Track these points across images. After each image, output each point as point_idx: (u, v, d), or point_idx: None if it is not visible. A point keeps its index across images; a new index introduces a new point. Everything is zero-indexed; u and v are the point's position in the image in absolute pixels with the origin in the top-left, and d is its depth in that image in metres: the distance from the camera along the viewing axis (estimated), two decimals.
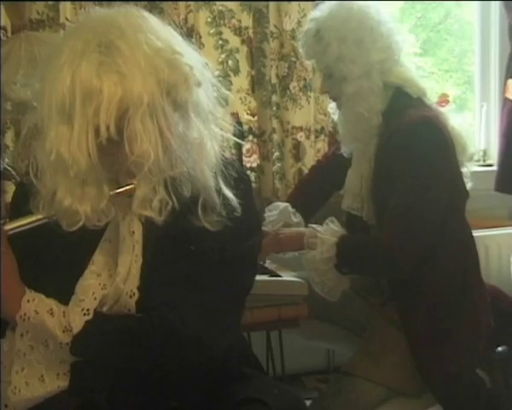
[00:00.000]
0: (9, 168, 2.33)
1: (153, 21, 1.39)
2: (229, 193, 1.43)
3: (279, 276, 2.18)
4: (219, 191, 1.42)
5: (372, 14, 2.21)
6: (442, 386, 2.16)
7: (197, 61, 1.40)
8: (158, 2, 2.81)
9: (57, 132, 1.31)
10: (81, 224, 1.34)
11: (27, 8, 2.67)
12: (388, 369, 2.16)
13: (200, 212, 1.40)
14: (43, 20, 2.76)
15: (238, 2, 2.98)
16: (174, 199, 1.37)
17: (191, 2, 2.89)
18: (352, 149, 2.36)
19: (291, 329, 2.36)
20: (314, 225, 2.26)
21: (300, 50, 2.40)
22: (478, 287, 2.24)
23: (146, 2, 2.76)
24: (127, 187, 1.36)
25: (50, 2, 2.76)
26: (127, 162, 1.33)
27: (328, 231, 2.20)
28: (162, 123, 1.33)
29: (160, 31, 1.38)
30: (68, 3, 2.82)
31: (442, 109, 2.30)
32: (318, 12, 2.28)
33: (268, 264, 2.33)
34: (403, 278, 2.17)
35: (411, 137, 2.11)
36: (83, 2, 2.82)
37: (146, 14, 1.41)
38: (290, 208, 2.47)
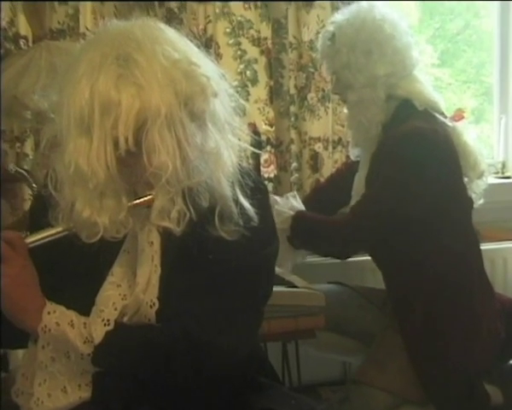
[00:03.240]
0: (21, 171, 2.33)
1: (169, 33, 1.40)
2: (245, 202, 1.43)
3: (296, 287, 2.18)
4: (236, 201, 1.42)
5: (385, 28, 2.23)
6: (440, 394, 2.16)
7: (214, 72, 1.41)
8: (177, 13, 2.82)
9: (76, 145, 1.32)
10: (100, 235, 1.34)
11: (48, 17, 2.70)
12: (393, 376, 2.17)
13: (217, 221, 1.40)
14: (63, 30, 2.79)
15: (257, 14, 2.99)
16: (192, 209, 1.37)
17: (210, 13, 2.91)
18: (357, 154, 2.40)
19: (307, 340, 2.37)
20: (276, 197, 2.35)
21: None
22: (480, 294, 2.24)
23: (165, 13, 2.80)
24: (145, 198, 1.36)
25: (71, 12, 2.79)
26: (145, 174, 1.34)
27: (287, 205, 2.30)
28: (180, 134, 1.33)
29: (177, 42, 1.39)
30: (89, 13, 2.84)
31: (454, 123, 2.30)
32: (339, 16, 2.31)
33: (285, 275, 2.34)
34: (346, 258, 2.29)
35: (400, 147, 2.16)
36: (103, 12, 2.85)
37: (162, 25, 1.42)
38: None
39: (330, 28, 2.31)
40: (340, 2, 2.96)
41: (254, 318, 1.50)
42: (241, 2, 2.98)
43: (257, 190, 1.48)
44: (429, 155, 2.13)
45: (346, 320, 2.35)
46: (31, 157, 2.85)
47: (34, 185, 2.28)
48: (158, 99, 1.30)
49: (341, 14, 2.32)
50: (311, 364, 2.83)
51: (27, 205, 2.78)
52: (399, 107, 2.25)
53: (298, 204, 2.33)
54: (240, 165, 1.47)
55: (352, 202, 2.37)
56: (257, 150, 1.67)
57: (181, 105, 1.33)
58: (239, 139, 1.47)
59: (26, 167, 2.60)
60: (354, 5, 2.39)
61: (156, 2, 2.82)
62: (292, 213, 2.27)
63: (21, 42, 2.82)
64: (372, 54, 2.21)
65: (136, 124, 1.30)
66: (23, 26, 2.80)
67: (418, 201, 2.13)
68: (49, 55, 2.52)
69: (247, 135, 1.50)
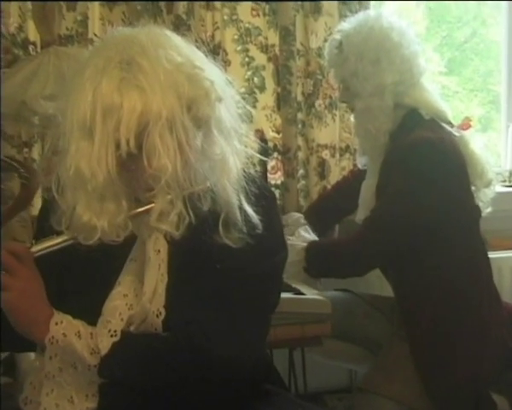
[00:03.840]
0: (6, 159, 2.30)
1: (174, 39, 1.41)
2: (249, 209, 1.43)
3: (303, 294, 2.18)
4: (241, 208, 1.42)
5: (393, 37, 2.23)
6: (447, 403, 2.15)
7: (219, 77, 1.41)
8: (185, 20, 2.83)
9: (78, 148, 1.33)
10: (97, 238, 1.34)
11: (57, 23, 2.71)
12: (400, 384, 2.16)
13: (221, 229, 1.40)
14: (71, 36, 2.80)
15: (265, 21, 3.00)
16: (191, 213, 1.37)
17: (218, 19, 2.92)
18: (364, 162, 2.40)
19: (314, 347, 2.36)
20: (288, 236, 2.31)
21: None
22: (488, 303, 2.23)
23: (173, 19, 2.81)
24: (146, 207, 1.36)
25: (79, 18, 2.80)
26: (145, 176, 1.34)
27: (300, 238, 2.30)
28: (181, 137, 1.33)
29: (182, 47, 1.39)
30: (97, 19, 2.85)
31: (461, 132, 2.30)
32: (346, 24, 2.32)
33: (292, 282, 2.33)
34: (365, 274, 2.28)
35: (408, 156, 2.15)
36: (111, 19, 2.86)
37: (168, 32, 1.42)
38: (302, 220, 2.49)
39: (337, 36, 2.31)
40: (347, 10, 2.97)
41: (261, 327, 1.49)
42: (249, 10, 2.99)
43: (262, 196, 1.47)
44: (437, 165, 2.13)
45: (352, 328, 2.35)
46: (38, 162, 2.86)
47: (23, 171, 2.24)
48: (160, 102, 1.30)
49: (348, 23, 2.32)
50: (317, 371, 2.83)
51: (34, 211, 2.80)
52: (407, 116, 2.25)
53: (310, 236, 2.34)
54: (245, 171, 1.46)
55: (360, 210, 2.37)
56: (263, 157, 1.67)
57: (183, 108, 1.34)
58: (245, 146, 1.47)
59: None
60: (361, 13, 2.39)
61: (164, 9, 2.82)
62: (304, 244, 2.27)
63: (30, 47, 2.83)
64: (380, 62, 2.21)
65: (138, 126, 1.30)
66: (32, 32, 2.81)
67: (426, 210, 2.13)
68: (57, 60, 2.53)
69: (253, 142, 1.50)
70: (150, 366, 1.38)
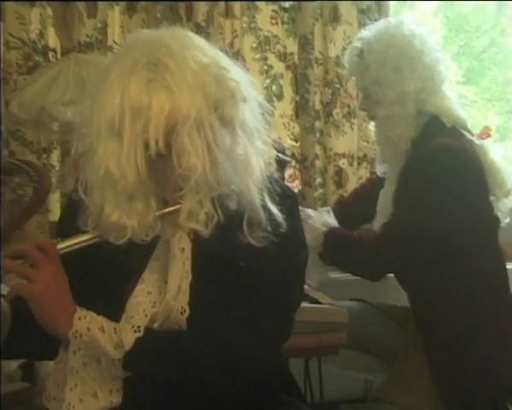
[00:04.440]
0: (16, 162, 2.30)
1: (198, 40, 1.41)
2: (274, 209, 1.43)
3: (319, 303, 2.18)
4: (265, 207, 1.42)
5: (415, 44, 2.22)
6: None
7: (243, 78, 1.41)
8: (205, 27, 2.84)
9: (106, 148, 1.33)
10: (127, 237, 1.35)
11: (77, 30, 2.73)
12: (416, 395, 2.15)
13: (245, 228, 1.40)
14: (91, 43, 2.83)
15: (284, 29, 3.01)
16: (220, 212, 1.38)
17: (237, 27, 2.94)
18: (384, 170, 2.40)
19: (329, 356, 2.36)
20: (309, 210, 2.33)
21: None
22: (506, 314, 2.22)
23: (193, 27, 2.82)
24: (174, 207, 1.37)
25: (99, 26, 2.82)
26: (174, 176, 1.34)
27: (320, 220, 2.27)
28: (209, 137, 1.34)
29: (206, 48, 1.39)
30: (117, 27, 2.87)
31: (481, 141, 2.29)
32: (367, 32, 2.31)
33: (310, 291, 2.33)
34: (378, 279, 2.25)
35: (429, 163, 2.14)
36: (130, 26, 2.88)
37: (191, 33, 1.43)
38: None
39: (358, 44, 2.31)
40: (366, 19, 2.97)
41: (285, 325, 1.48)
42: (267, 18, 3.00)
43: (285, 196, 1.47)
44: (458, 173, 2.12)
45: (367, 338, 2.34)
46: (57, 168, 2.88)
47: (34, 175, 2.25)
48: (188, 102, 1.31)
49: (369, 31, 2.32)
50: (332, 381, 2.82)
51: (52, 216, 2.82)
52: (428, 123, 2.25)
53: (331, 220, 2.31)
54: (268, 171, 1.46)
55: (377, 218, 2.36)
56: (285, 157, 1.67)
57: (211, 109, 1.34)
58: (267, 146, 1.47)
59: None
60: (382, 21, 2.39)
61: (184, 17, 2.84)
62: (325, 229, 2.25)
63: (50, 54, 2.86)
64: (402, 70, 2.21)
65: (167, 127, 1.31)
66: (52, 39, 2.84)
67: (445, 218, 2.12)
68: (77, 67, 2.55)
69: (275, 143, 1.51)
70: (174, 361, 1.38)
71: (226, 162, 1.37)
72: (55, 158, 2.88)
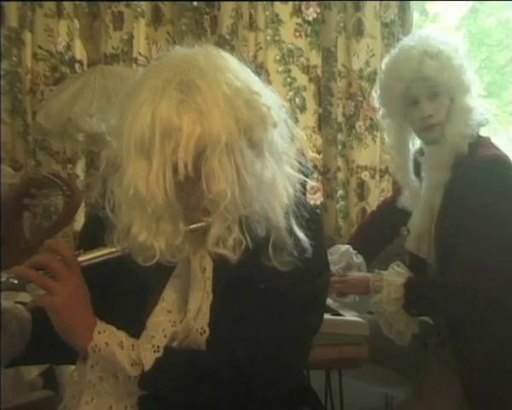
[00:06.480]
0: (49, 175, 2.31)
1: (232, 62, 1.40)
2: (300, 234, 1.42)
3: (341, 315, 2.18)
4: (290, 231, 1.41)
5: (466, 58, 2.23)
6: None
7: (274, 102, 1.40)
8: (229, 40, 2.87)
9: (135, 168, 1.32)
10: (156, 259, 1.34)
11: (103, 42, 2.76)
12: None
13: (270, 251, 1.39)
14: (117, 55, 2.86)
15: (307, 42, 3.03)
16: (248, 238, 1.37)
17: (260, 40, 2.96)
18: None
19: (351, 369, 2.35)
20: (382, 271, 2.26)
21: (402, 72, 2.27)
22: None
23: (217, 39, 2.84)
24: (201, 224, 1.36)
25: (125, 38, 2.85)
26: (203, 200, 1.33)
27: (394, 274, 2.20)
28: (239, 162, 1.33)
29: (239, 71, 1.39)
30: (142, 39, 2.90)
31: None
32: (411, 42, 2.26)
33: (331, 303, 2.33)
34: (472, 319, 2.14)
35: (483, 174, 2.10)
36: (155, 38, 2.91)
37: (225, 54, 1.42)
38: (351, 250, 2.47)
39: (414, 50, 2.21)
40: (389, 34, 2.98)
41: (302, 349, 1.48)
42: (291, 31, 3.01)
43: (312, 221, 1.46)
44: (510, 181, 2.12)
45: (386, 352, 2.31)
46: (82, 178, 2.91)
47: (66, 189, 2.26)
48: (219, 126, 1.30)
49: (412, 41, 2.26)
50: (353, 394, 2.81)
51: (77, 226, 2.84)
52: None
53: (403, 270, 2.25)
54: (295, 195, 1.45)
55: (411, 236, 2.33)
56: (309, 181, 1.66)
57: (241, 133, 1.33)
58: (294, 170, 1.45)
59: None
60: (432, 33, 2.30)
61: (208, 29, 2.86)
62: (402, 280, 2.18)
63: (76, 66, 2.89)
64: (463, 68, 2.21)
65: (196, 150, 1.29)
66: (79, 51, 2.88)
67: (508, 228, 2.10)
68: (102, 79, 2.57)
69: (303, 167, 1.49)
70: (192, 382, 1.38)
71: (255, 186, 1.36)
72: (79, 168, 2.91)
